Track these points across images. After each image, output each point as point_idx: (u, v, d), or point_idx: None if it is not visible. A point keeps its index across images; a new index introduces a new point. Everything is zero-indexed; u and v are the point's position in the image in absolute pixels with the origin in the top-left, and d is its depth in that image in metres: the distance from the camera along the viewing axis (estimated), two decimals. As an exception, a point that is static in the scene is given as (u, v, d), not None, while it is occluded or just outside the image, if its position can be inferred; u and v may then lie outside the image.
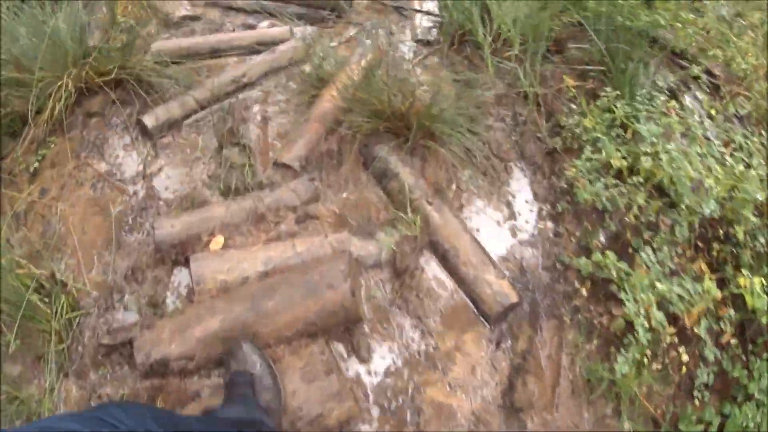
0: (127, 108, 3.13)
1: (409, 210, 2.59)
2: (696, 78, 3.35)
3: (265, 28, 3.40)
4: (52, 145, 3.05)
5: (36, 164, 3.00)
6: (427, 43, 3.39)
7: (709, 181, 2.58)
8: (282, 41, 3.25)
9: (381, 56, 3.14)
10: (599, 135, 2.84)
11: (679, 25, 3.35)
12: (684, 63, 3.46)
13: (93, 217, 2.78)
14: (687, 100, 3.36)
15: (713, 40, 3.51)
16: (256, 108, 2.99)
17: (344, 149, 2.80)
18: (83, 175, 2.92)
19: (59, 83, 3.06)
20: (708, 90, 3.42)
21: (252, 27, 3.45)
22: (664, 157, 2.64)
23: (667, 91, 3.25)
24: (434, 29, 3.49)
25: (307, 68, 3.07)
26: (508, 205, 2.82)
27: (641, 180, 2.62)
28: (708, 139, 2.94)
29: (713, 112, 3.06)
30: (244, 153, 2.82)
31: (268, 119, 2.94)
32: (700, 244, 2.63)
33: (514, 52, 3.26)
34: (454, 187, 2.78)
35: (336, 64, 3.05)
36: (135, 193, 2.82)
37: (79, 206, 2.81)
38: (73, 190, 2.86)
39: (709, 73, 3.46)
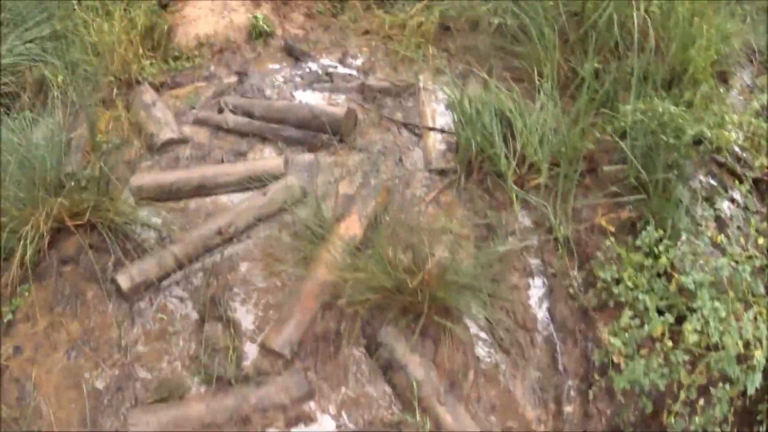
0: (103, 257, 2.78)
1: (417, 412, 2.21)
2: (745, 192, 2.94)
3: (257, 159, 3.02)
4: (26, 294, 2.72)
5: (10, 316, 2.67)
6: (442, 173, 2.98)
7: (758, 354, 2.20)
8: (276, 176, 2.86)
9: (388, 199, 2.75)
10: (639, 294, 2.44)
11: (726, 132, 2.90)
12: (721, 159, 3.09)
13: (68, 391, 2.47)
14: (731, 217, 2.97)
15: (755, 139, 3.09)
16: (242, 268, 2.62)
17: (343, 330, 2.42)
18: (57, 337, 2.59)
19: (30, 223, 2.74)
20: (755, 205, 3.02)
21: (243, 154, 3.06)
22: (711, 320, 2.26)
23: (711, 209, 2.84)
24: (450, 152, 3.07)
25: (303, 213, 2.69)
26: (533, 390, 2.41)
27: (685, 349, 2.25)
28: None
29: (761, 240, 2.63)
30: (228, 331, 2.45)
31: (256, 286, 2.57)
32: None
33: (541, 179, 2.84)
34: (471, 374, 2.38)
35: (336, 210, 2.67)
36: (111, 366, 2.49)
37: (53, 374, 2.49)
38: (47, 354, 2.55)
39: (756, 181, 3.08)
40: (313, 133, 3.08)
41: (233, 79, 3.64)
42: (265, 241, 2.68)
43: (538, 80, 3.07)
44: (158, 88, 3.64)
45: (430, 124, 3.22)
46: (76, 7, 3.93)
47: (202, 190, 2.88)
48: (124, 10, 3.92)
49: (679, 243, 2.57)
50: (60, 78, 3.72)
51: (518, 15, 3.62)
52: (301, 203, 2.78)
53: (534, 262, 2.71)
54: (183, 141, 3.17)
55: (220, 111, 3.29)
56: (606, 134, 3.00)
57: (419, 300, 2.33)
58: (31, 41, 4.01)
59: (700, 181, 3.05)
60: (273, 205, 2.74)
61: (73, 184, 2.88)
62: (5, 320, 2.65)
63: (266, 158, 3.00)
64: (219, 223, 2.68)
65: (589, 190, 2.98)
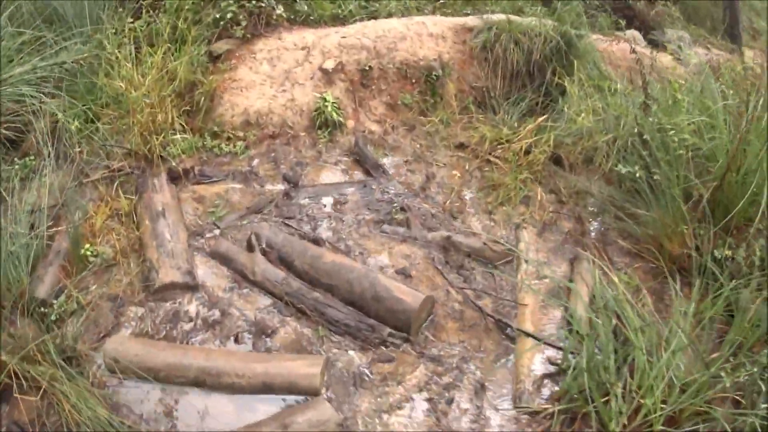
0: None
1: None
2: None
3: (284, 359, 2.10)
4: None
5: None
6: (533, 414, 2.09)
7: None
8: (306, 390, 2.00)
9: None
10: None
11: None
12: None
13: None
14: None
15: None
16: None
17: None
18: None
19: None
20: None
21: (268, 334, 2.18)
22: None
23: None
24: (550, 379, 2.19)
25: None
26: None
27: None
28: None
29: None
30: None
31: None
32: None
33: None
34: None
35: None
36: None
37: None
38: None
39: None
40: (370, 322, 2.20)
41: (278, 187, 2.77)
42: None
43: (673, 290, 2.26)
44: (181, 176, 2.79)
45: (529, 326, 2.32)
46: (107, 42, 3.10)
47: (199, 384, 2.03)
48: (165, 53, 3.09)
49: None
50: (75, 125, 2.92)
51: (643, 158, 2.75)
52: (334, 448, 1.91)
53: None
54: (192, 287, 2.31)
55: (250, 246, 2.42)
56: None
57: None
58: (59, 65, 3.21)
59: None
60: (292, 447, 1.86)
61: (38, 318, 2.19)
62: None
63: (296, 361, 2.07)
64: (209, 462, 1.82)
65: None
